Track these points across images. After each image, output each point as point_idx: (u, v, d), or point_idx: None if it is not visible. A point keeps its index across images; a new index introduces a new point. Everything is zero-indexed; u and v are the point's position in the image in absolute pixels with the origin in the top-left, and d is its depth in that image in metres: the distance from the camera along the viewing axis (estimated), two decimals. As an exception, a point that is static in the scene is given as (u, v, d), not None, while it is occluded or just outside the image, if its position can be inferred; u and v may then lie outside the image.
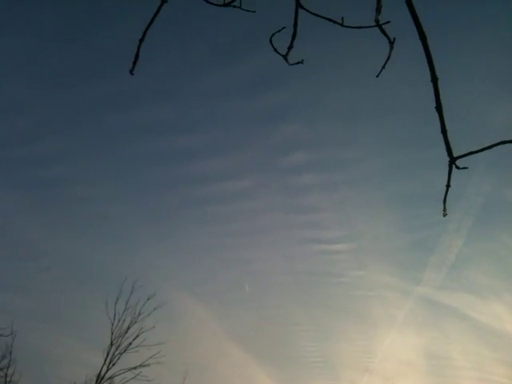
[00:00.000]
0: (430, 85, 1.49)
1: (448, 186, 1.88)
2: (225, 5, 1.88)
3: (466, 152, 1.74)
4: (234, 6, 1.87)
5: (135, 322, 24.24)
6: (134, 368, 23.32)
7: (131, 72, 1.38)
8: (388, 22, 1.70)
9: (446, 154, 1.84)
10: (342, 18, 1.81)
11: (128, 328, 24.08)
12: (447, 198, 1.91)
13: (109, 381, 23.58)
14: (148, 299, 24.75)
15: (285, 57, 1.63)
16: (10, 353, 23.81)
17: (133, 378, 23.15)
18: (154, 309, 24.65)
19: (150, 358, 23.39)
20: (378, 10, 1.46)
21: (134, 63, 1.33)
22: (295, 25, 1.53)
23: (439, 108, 1.52)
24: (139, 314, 24.40)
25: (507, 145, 1.67)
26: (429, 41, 1.41)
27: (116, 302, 24.29)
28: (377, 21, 1.48)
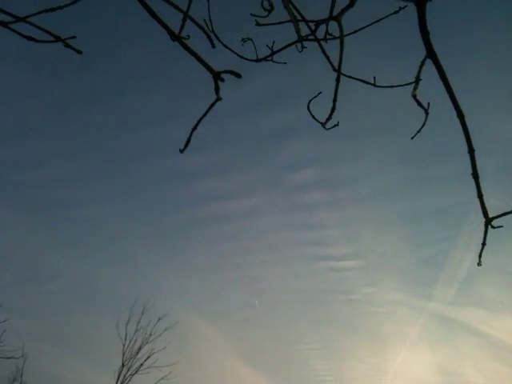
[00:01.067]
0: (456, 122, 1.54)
1: (484, 244, 1.94)
2: (257, 60, 1.97)
3: (501, 212, 1.81)
4: (267, 60, 1.96)
5: (146, 343, 24.16)
6: (146, 390, 23.20)
7: (182, 151, 1.45)
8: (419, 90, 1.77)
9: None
10: (374, 78, 1.89)
11: (139, 349, 24.00)
12: (482, 254, 1.97)
13: (121, 403, 23.47)
14: (159, 320, 24.69)
15: (323, 125, 1.70)
16: (21, 375, 23.79)
17: (145, 400, 23.04)
18: (165, 329, 24.57)
19: (162, 379, 23.27)
20: (416, 85, 1.52)
21: (186, 146, 1.41)
22: (335, 100, 1.60)
23: (476, 176, 1.58)
24: (150, 334, 24.33)
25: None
26: (466, 119, 1.47)
27: (127, 323, 24.25)
28: (414, 95, 1.55)
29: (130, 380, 23.56)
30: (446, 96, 1.58)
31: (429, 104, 1.73)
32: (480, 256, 1.98)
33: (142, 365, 23.80)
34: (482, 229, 2.02)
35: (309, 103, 1.75)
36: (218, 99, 1.38)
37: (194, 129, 1.40)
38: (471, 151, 1.50)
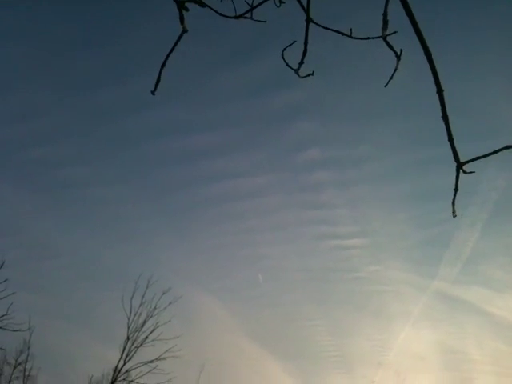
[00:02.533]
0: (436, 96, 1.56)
1: (456, 189, 1.95)
2: (236, 17, 1.97)
3: (472, 157, 1.82)
4: (245, 17, 1.96)
5: (151, 317, 24.52)
6: (151, 362, 23.62)
7: (153, 93, 1.48)
8: (395, 33, 1.77)
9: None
10: (351, 30, 1.89)
11: (144, 322, 24.37)
12: (455, 201, 1.98)
13: (125, 374, 23.93)
14: (163, 294, 25.00)
15: (296, 71, 1.71)
16: (28, 348, 24.30)
17: (149, 372, 23.50)
18: (170, 303, 24.90)
19: (166, 351, 23.65)
20: (384, 27, 1.53)
21: (156, 85, 1.43)
22: (306, 43, 1.61)
23: (445, 117, 1.59)
24: (155, 308, 24.66)
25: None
26: (433, 55, 1.48)
27: (132, 297, 24.59)
28: (384, 36, 1.56)
29: (135, 353, 23.98)
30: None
31: (401, 50, 1.74)
32: (453, 204, 1.99)
33: (146, 338, 24.19)
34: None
35: (283, 51, 1.76)
36: (185, 31, 1.39)
37: (163, 66, 1.41)
38: (440, 91, 1.51)
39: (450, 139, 1.70)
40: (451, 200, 1.98)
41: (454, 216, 2.27)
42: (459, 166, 1.83)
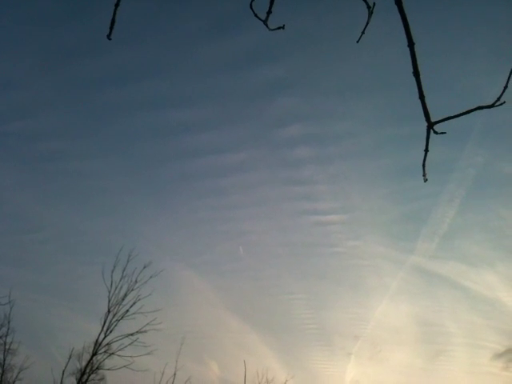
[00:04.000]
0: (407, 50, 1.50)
1: (426, 150, 1.91)
2: None
3: (443, 117, 1.77)
4: None
5: (132, 290, 24.53)
6: (131, 334, 23.74)
7: (108, 37, 1.39)
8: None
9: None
10: None
11: (125, 295, 24.39)
12: (426, 163, 1.94)
13: (106, 347, 24.01)
14: (144, 267, 24.99)
15: (265, 22, 1.63)
16: (9, 322, 24.15)
17: (130, 344, 23.63)
18: (151, 277, 24.92)
19: (147, 324, 23.76)
20: None
21: (111, 28, 1.34)
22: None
23: (416, 73, 1.54)
24: (136, 281, 24.69)
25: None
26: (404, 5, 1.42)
27: (113, 271, 24.53)
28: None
29: (115, 325, 24.05)
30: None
31: (374, 3, 1.67)
32: (424, 166, 1.95)
33: (127, 311, 24.24)
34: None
35: (251, 2, 1.67)
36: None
37: (117, 5, 1.32)
38: (411, 44, 1.45)
39: (421, 97, 1.64)
40: (421, 162, 1.94)
41: (425, 180, 2.23)
42: (430, 125, 1.78)
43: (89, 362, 24.49)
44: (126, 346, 23.71)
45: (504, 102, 1.75)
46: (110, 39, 1.39)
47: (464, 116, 1.86)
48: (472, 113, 1.90)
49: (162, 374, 33.04)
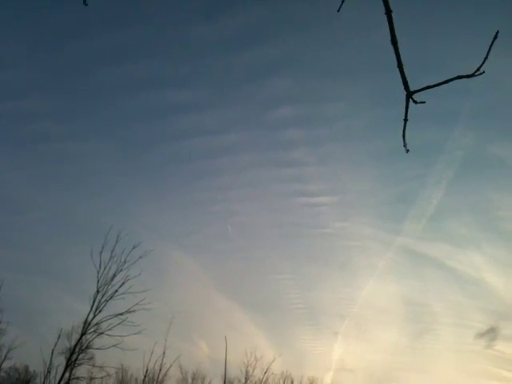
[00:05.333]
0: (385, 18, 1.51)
1: (405, 120, 1.93)
2: None
3: (423, 86, 1.79)
4: None
5: (121, 270, 24.65)
6: (121, 314, 23.91)
7: (85, 3, 1.38)
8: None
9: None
10: None
11: (114, 276, 24.50)
12: (406, 133, 1.97)
13: (95, 327, 24.19)
14: (133, 248, 25.06)
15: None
16: (-3, 302, 24.23)
17: (119, 324, 23.79)
18: (140, 257, 25.02)
19: (136, 304, 23.94)
20: None
21: None
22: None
23: (394, 41, 1.55)
24: (125, 262, 24.76)
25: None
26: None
27: (101, 251, 24.57)
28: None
29: (104, 305, 24.18)
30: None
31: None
32: (404, 136, 1.98)
33: (116, 291, 24.36)
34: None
35: None
36: None
37: None
38: (388, 12, 1.46)
39: (400, 65, 1.66)
40: (402, 132, 1.96)
41: (407, 151, 2.26)
42: (409, 95, 1.80)
43: (78, 341, 24.67)
44: (115, 326, 23.92)
45: (483, 72, 1.78)
46: (85, 5, 1.38)
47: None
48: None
49: (151, 353, 33.53)
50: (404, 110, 1.79)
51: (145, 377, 33.74)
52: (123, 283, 24.33)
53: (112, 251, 24.80)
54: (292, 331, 61.73)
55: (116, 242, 25.02)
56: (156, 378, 33.81)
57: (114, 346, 23.69)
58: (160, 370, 33.71)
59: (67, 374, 24.99)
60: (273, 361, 39.91)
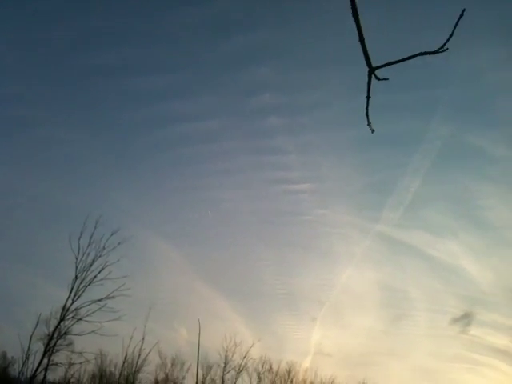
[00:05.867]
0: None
1: (368, 97, 1.91)
2: None
3: (385, 62, 1.77)
4: None
5: (100, 256, 24.48)
6: (99, 300, 23.78)
7: None
8: None
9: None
10: None
11: (92, 262, 24.32)
12: (369, 111, 1.94)
13: (74, 313, 24.03)
14: (112, 234, 24.88)
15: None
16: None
17: (98, 310, 23.68)
18: (119, 243, 24.88)
19: (115, 290, 23.84)
20: None
21: None
22: None
23: (355, 15, 1.53)
24: (103, 248, 24.58)
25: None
26: None
27: (80, 237, 24.35)
28: None
29: (83, 291, 24.02)
30: None
31: None
32: (367, 114, 1.95)
33: (95, 277, 24.21)
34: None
35: None
36: None
37: None
38: None
39: (361, 39, 1.63)
40: (365, 111, 1.93)
41: (372, 131, 2.24)
42: (371, 70, 1.78)
43: (56, 327, 24.51)
44: (93, 312, 23.79)
45: (447, 49, 1.77)
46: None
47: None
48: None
49: (131, 339, 33.53)
50: (366, 87, 1.76)
51: (124, 362, 33.78)
52: (102, 269, 24.20)
53: (91, 237, 24.61)
54: (272, 317, 62.31)
55: (95, 228, 24.84)
56: (135, 363, 33.86)
57: (92, 331, 23.60)
58: (139, 355, 33.76)
59: (45, 360, 24.84)
60: (252, 346, 40.31)
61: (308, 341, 54.10)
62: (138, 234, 52.15)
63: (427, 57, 1.88)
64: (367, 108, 1.87)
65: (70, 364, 31.71)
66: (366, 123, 2.06)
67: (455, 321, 60.48)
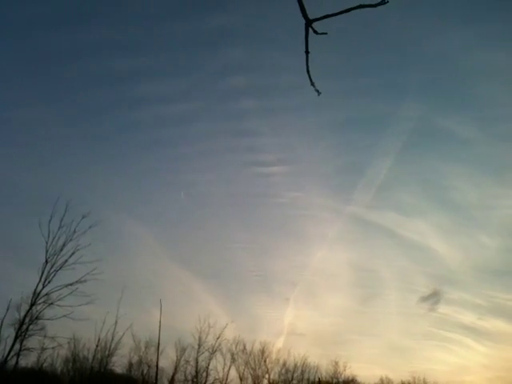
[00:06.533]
0: None
1: (307, 52, 1.83)
2: None
3: (322, 14, 1.71)
4: None
5: (70, 240, 24.08)
6: (71, 284, 23.47)
7: None
8: None
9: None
10: None
11: (63, 246, 23.93)
12: (310, 68, 1.87)
13: (45, 297, 23.69)
14: (83, 217, 24.49)
15: None
16: None
17: (70, 294, 23.38)
18: (90, 227, 24.51)
19: (87, 274, 23.55)
20: None
21: None
22: None
23: None
24: (74, 231, 24.19)
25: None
26: None
27: (50, 221, 23.89)
28: None
29: (54, 276, 23.66)
30: None
31: None
32: (308, 71, 1.89)
33: (66, 261, 23.85)
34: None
35: None
36: None
37: None
38: None
39: (296, -12, 1.56)
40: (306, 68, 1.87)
41: (318, 93, 2.18)
42: (308, 23, 1.71)
43: (27, 312, 24.13)
44: (65, 296, 23.48)
45: (387, 2, 1.70)
46: None
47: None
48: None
49: (104, 323, 33.33)
50: (304, 41, 1.69)
51: (97, 346, 33.58)
52: (73, 253, 23.84)
53: (61, 221, 24.16)
54: (246, 298, 62.81)
55: (65, 212, 24.38)
56: (108, 347, 33.71)
57: (64, 316, 23.33)
58: (112, 339, 33.61)
59: (17, 346, 24.53)
60: (225, 327, 40.57)
61: (281, 321, 54.84)
62: (110, 217, 51.50)
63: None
64: (307, 64, 1.79)
65: (43, 349, 31.43)
66: (310, 83, 1.99)
67: (424, 299, 62.09)
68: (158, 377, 36.22)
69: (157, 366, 34.13)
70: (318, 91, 2.11)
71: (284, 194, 61.10)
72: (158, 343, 32.71)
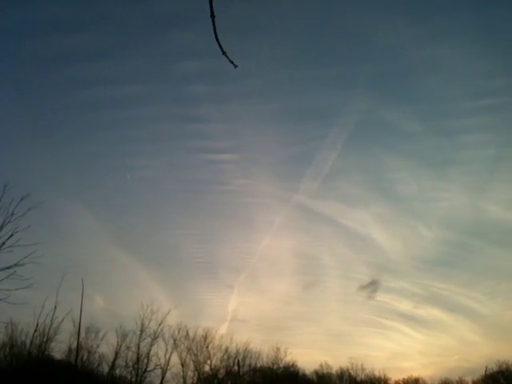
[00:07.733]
0: None
1: (212, 16, 1.81)
2: None
3: None
4: None
5: (8, 222, 23.12)
6: (8, 268, 22.58)
7: None
8: None
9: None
10: None
11: (0, 228, 22.94)
12: (218, 35, 1.86)
13: (-21, 281, 22.68)
14: (22, 199, 23.55)
15: None
16: None
17: (6, 278, 22.49)
18: (29, 209, 23.60)
19: (25, 257, 22.71)
20: None
21: None
22: None
23: None
24: (12, 214, 23.25)
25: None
26: None
27: (-15, 203, 22.84)
28: None
29: (-10, 258, 22.67)
30: None
31: None
32: (217, 37, 1.87)
33: (3, 243, 22.89)
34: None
35: None
36: None
37: None
38: None
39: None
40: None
41: (235, 66, 2.17)
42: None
43: (-40, 296, 23.02)
44: (1, 280, 22.54)
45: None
46: None
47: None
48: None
49: (42, 308, 32.35)
50: (209, 5, 1.69)
51: (35, 331, 32.60)
52: (11, 235, 22.87)
53: (-2, 202, 23.12)
54: (191, 285, 62.73)
55: (3, 193, 23.34)
56: (47, 332, 32.82)
57: (1, 299, 22.43)
58: (51, 324, 32.75)
59: (-52, 331, 23.37)
60: (168, 313, 40.38)
61: (225, 308, 55.27)
62: (53, 200, 49.75)
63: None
64: (215, 31, 1.79)
65: (-22, 334, 30.17)
66: (221, 52, 1.99)
67: (364, 287, 64.29)
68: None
69: (77, 350, 33.44)
70: (233, 63, 2.10)
71: (233, 181, 61.20)
72: (79, 326, 32.23)
